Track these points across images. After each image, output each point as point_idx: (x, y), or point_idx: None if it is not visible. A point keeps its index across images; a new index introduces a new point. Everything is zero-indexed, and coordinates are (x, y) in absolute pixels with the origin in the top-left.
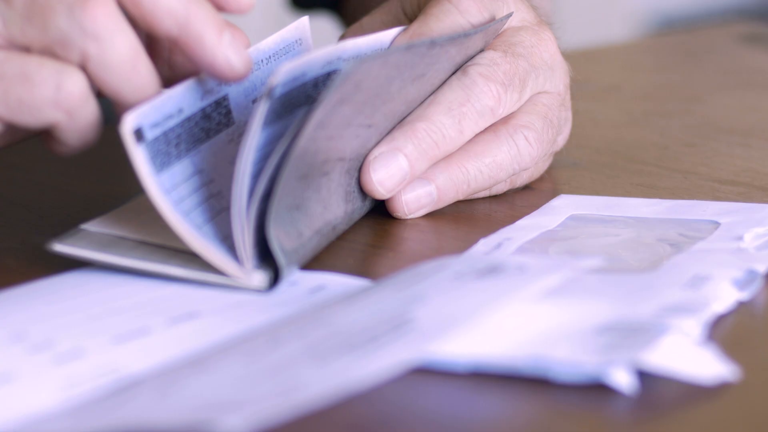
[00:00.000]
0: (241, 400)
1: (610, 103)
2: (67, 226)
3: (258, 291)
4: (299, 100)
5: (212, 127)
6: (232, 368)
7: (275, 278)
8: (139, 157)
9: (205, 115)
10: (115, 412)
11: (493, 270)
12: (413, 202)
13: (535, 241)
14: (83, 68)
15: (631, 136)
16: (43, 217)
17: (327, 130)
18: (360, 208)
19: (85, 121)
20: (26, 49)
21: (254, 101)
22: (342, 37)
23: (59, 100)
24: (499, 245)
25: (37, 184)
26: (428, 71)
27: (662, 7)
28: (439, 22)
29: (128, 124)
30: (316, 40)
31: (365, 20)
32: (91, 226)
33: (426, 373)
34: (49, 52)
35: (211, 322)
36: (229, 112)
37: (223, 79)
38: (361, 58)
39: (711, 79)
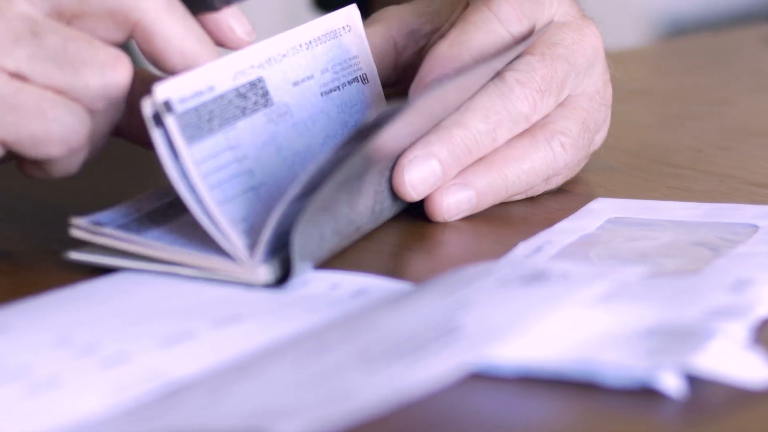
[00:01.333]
0: (292, 407)
1: (639, 106)
2: None
3: (269, 287)
4: (229, 112)
5: (248, 106)
6: (280, 373)
7: (284, 274)
8: (172, 127)
9: (239, 94)
10: (165, 417)
11: (537, 277)
12: (453, 206)
13: (575, 244)
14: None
15: (663, 139)
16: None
17: (385, 140)
18: (389, 208)
19: (77, 159)
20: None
21: (294, 84)
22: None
23: (67, 139)
24: (539, 249)
25: (67, 186)
26: (478, 80)
27: (671, 11)
28: (478, 31)
29: (158, 94)
30: None
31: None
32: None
33: (474, 377)
34: (71, 97)
35: (254, 326)
36: (266, 93)
37: (226, 44)
38: (443, 82)
39: (739, 82)
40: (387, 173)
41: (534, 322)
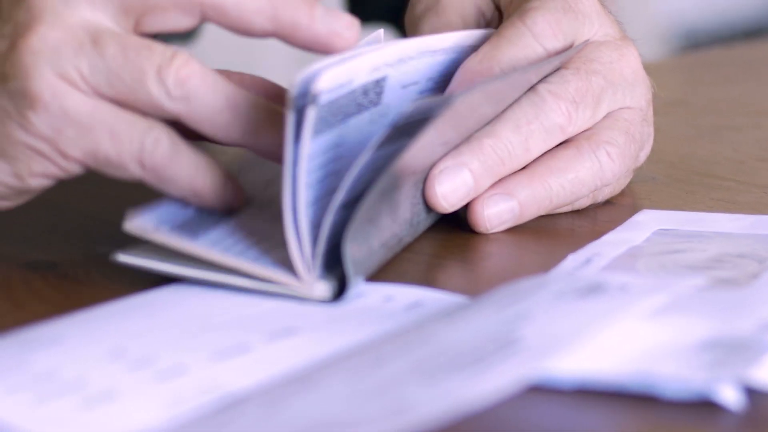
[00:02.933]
0: (350, 420)
1: (677, 118)
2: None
3: (323, 301)
4: (350, 108)
5: (364, 104)
6: (337, 387)
7: (339, 290)
8: (310, 118)
9: (364, 90)
10: (222, 430)
11: (594, 289)
12: (495, 217)
13: (623, 256)
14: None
15: (704, 151)
16: (120, 230)
17: (419, 150)
18: (425, 219)
19: (177, 177)
20: (112, 100)
21: (403, 87)
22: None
23: (143, 159)
24: (588, 261)
25: (111, 197)
26: (511, 93)
27: (685, 25)
28: (511, 46)
29: (319, 83)
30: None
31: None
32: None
33: (532, 389)
34: (133, 107)
35: (309, 338)
36: (381, 92)
37: (335, 50)
38: (472, 89)
39: None
40: (421, 185)
41: (593, 335)
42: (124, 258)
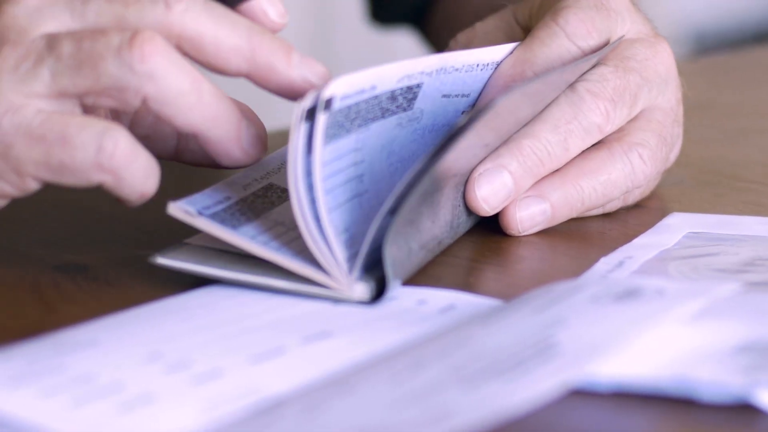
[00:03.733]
0: (390, 425)
1: (703, 121)
2: (171, 242)
3: (361, 303)
4: (372, 113)
5: (391, 109)
6: (376, 391)
7: (377, 291)
8: (320, 125)
9: (392, 96)
10: None
11: (631, 293)
12: (527, 220)
13: (655, 259)
14: (147, 108)
15: (731, 154)
16: (149, 233)
17: (459, 152)
18: (465, 222)
19: (133, 178)
20: (81, 101)
21: (443, 96)
22: (454, 41)
23: (101, 163)
24: (620, 264)
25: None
26: (550, 94)
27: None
28: (544, 47)
29: (326, 92)
30: (395, 54)
31: (478, 25)
32: (195, 240)
33: (570, 393)
34: (105, 97)
35: (345, 342)
36: (413, 99)
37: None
38: (511, 90)
39: None
40: (462, 188)
41: (631, 340)
42: (163, 261)
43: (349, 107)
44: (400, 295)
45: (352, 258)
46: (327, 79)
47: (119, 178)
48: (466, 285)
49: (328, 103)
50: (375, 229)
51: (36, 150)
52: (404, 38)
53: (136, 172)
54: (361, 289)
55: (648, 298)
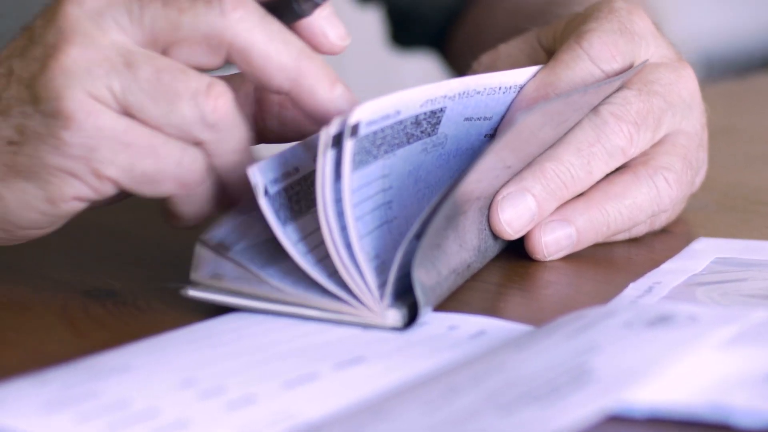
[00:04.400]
0: None
1: (725, 145)
2: None
3: (394, 329)
4: (398, 138)
5: (416, 134)
6: (411, 417)
7: (409, 317)
8: (347, 151)
9: (417, 121)
10: None
11: (663, 319)
12: (553, 244)
13: (684, 285)
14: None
15: (755, 179)
16: (179, 257)
17: (480, 173)
18: (492, 246)
19: (198, 198)
20: (143, 122)
21: (466, 119)
22: (477, 62)
23: (180, 176)
24: (650, 289)
25: (166, 224)
26: (572, 116)
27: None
28: (568, 70)
29: (352, 118)
30: (416, 78)
31: (502, 48)
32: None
33: (605, 418)
34: (164, 130)
35: (378, 367)
36: (437, 123)
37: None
38: (531, 109)
39: None
40: (486, 212)
41: (666, 367)
42: (194, 293)
43: (374, 133)
44: (431, 321)
45: (383, 285)
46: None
47: (190, 194)
48: (496, 310)
49: (355, 129)
50: (402, 254)
51: (121, 156)
52: (412, 62)
53: (203, 192)
54: (394, 316)
55: (681, 323)
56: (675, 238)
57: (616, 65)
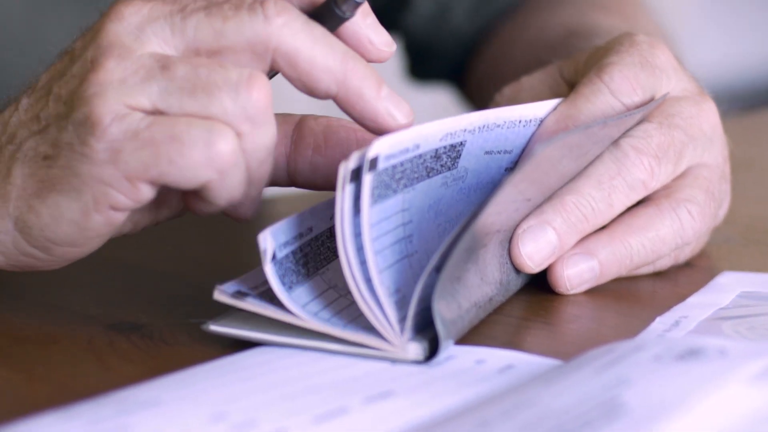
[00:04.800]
0: None
1: (748, 178)
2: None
3: (416, 362)
4: (417, 172)
5: (436, 168)
6: None
7: (430, 350)
8: (366, 185)
9: (436, 154)
10: None
11: (693, 353)
12: (575, 277)
13: (711, 319)
14: None
15: None
16: (202, 290)
17: (499, 205)
18: (515, 280)
19: (235, 180)
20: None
21: (486, 153)
22: (500, 94)
23: (211, 159)
24: (676, 323)
25: (190, 258)
26: (593, 149)
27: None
28: (588, 104)
29: (371, 151)
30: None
31: (524, 80)
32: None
33: None
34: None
35: (407, 402)
36: (458, 157)
37: (386, 131)
38: (549, 141)
39: None
40: (507, 245)
41: (698, 400)
42: (215, 328)
43: (393, 167)
44: (458, 355)
45: (404, 319)
46: (410, 118)
47: (224, 176)
48: (522, 344)
49: (373, 163)
50: (422, 287)
51: (146, 152)
52: (428, 95)
53: (238, 174)
54: (415, 350)
55: (711, 357)
56: (699, 271)
57: (636, 98)
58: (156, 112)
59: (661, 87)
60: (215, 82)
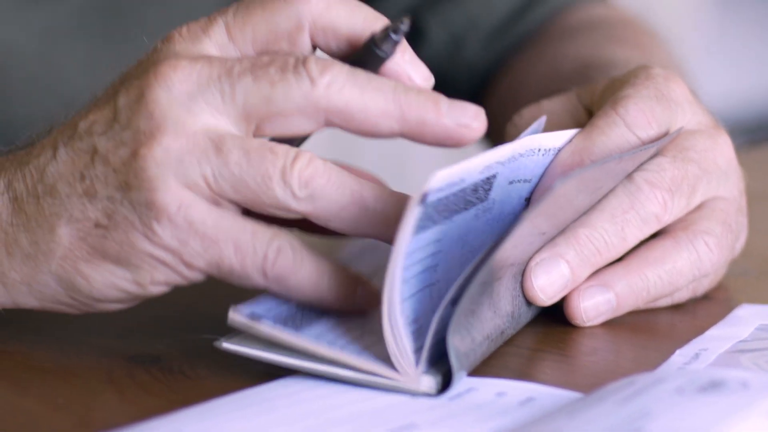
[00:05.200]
0: None
1: (762, 210)
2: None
3: (428, 395)
4: (457, 205)
5: (473, 200)
6: None
7: (443, 384)
8: (412, 218)
9: (474, 188)
10: None
11: (715, 385)
12: (592, 309)
13: (730, 351)
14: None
15: None
16: (221, 322)
17: (516, 239)
18: (526, 313)
19: (300, 286)
20: (237, 204)
21: (509, 183)
22: (518, 115)
23: (266, 270)
24: (696, 356)
25: (209, 288)
26: (607, 183)
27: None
28: (603, 136)
29: (425, 185)
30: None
31: (545, 103)
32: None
33: None
34: (261, 208)
35: None
36: (490, 189)
37: (465, 143)
38: (568, 176)
39: None
40: (520, 278)
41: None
42: (228, 345)
43: (439, 200)
44: (478, 387)
45: (419, 349)
46: (482, 118)
47: (284, 285)
48: (540, 376)
49: (424, 197)
50: (438, 320)
51: (210, 251)
52: None
53: (302, 279)
54: (428, 382)
55: (733, 389)
56: (717, 304)
57: (652, 132)
58: (217, 195)
59: (676, 120)
60: (266, 172)
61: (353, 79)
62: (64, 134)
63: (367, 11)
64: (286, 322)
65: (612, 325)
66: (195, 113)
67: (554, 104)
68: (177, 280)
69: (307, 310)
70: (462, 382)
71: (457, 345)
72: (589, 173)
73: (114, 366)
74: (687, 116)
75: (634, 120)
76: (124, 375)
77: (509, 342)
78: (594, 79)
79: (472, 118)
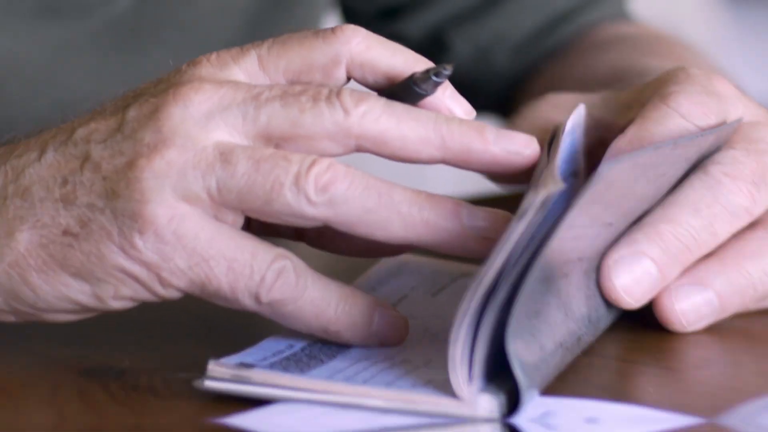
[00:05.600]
0: None
1: None
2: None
3: (488, 421)
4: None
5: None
6: None
7: (508, 405)
8: (521, 226)
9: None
10: None
11: None
12: (691, 312)
13: None
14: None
15: None
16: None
17: (574, 230)
18: (605, 316)
19: (301, 313)
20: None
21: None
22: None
23: (260, 295)
24: None
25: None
26: (669, 171)
27: None
28: (658, 126)
29: (542, 191)
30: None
31: (585, 97)
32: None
33: None
34: (272, 219)
35: None
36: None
37: (517, 169)
38: (615, 161)
39: None
40: (594, 275)
41: None
42: (214, 385)
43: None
44: (558, 411)
45: (469, 362)
46: (534, 146)
47: (278, 312)
48: (640, 395)
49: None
50: (489, 323)
51: (196, 269)
52: None
53: (303, 306)
54: (488, 403)
55: None
56: None
57: (709, 121)
58: (221, 207)
59: (729, 112)
60: (277, 179)
61: (390, 110)
62: (56, 138)
63: (408, 54)
64: (287, 367)
65: (719, 330)
66: (209, 130)
67: (595, 98)
68: (146, 297)
69: (316, 350)
70: (533, 402)
71: (522, 354)
72: (642, 158)
73: (60, 381)
74: (740, 109)
75: (688, 111)
76: (73, 393)
77: (589, 352)
78: (631, 83)
79: (522, 146)
